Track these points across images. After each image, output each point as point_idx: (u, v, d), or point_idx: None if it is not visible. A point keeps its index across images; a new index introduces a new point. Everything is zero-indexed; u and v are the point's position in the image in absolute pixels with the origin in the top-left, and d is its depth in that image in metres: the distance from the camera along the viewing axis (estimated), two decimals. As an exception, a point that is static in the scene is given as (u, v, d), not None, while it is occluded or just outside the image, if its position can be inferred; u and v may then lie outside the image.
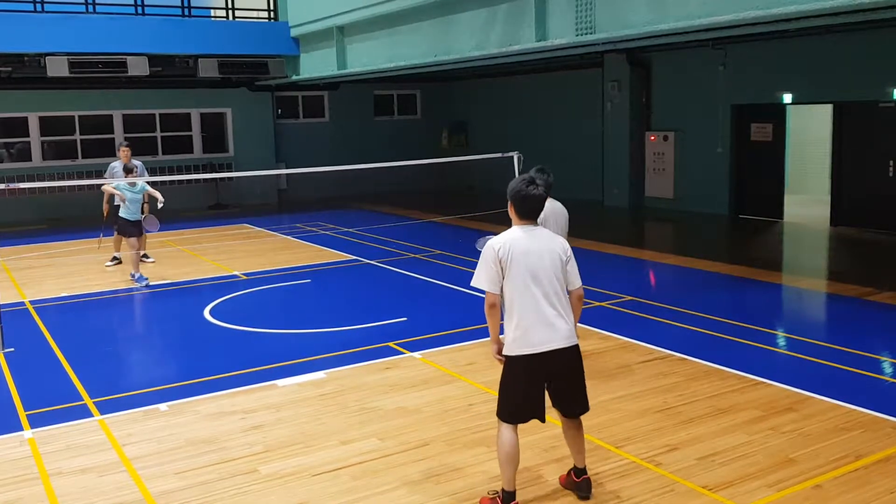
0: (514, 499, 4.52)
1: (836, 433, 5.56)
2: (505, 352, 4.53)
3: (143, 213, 11.62)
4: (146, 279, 11.24)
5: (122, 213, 11.42)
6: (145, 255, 12.84)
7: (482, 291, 4.53)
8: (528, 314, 4.43)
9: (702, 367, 7.07)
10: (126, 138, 14.63)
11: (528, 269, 4.44)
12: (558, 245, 4.58)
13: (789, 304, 10.10)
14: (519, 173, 11.37)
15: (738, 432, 5.62)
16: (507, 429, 4.51)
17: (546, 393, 4.57)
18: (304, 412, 6.27)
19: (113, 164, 12.67)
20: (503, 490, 4.54)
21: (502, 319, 4.56)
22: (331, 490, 4.95)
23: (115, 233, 12.29)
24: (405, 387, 6.79)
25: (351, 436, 5.77)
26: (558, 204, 7.01)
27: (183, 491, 4.99)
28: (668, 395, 6.38)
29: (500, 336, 4.57)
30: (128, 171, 11.46)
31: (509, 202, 4.62)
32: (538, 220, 4.62)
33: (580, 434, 4.70)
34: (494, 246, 4.49)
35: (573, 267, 4.62)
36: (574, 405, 4.65)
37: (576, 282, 4.62)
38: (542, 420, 4.60)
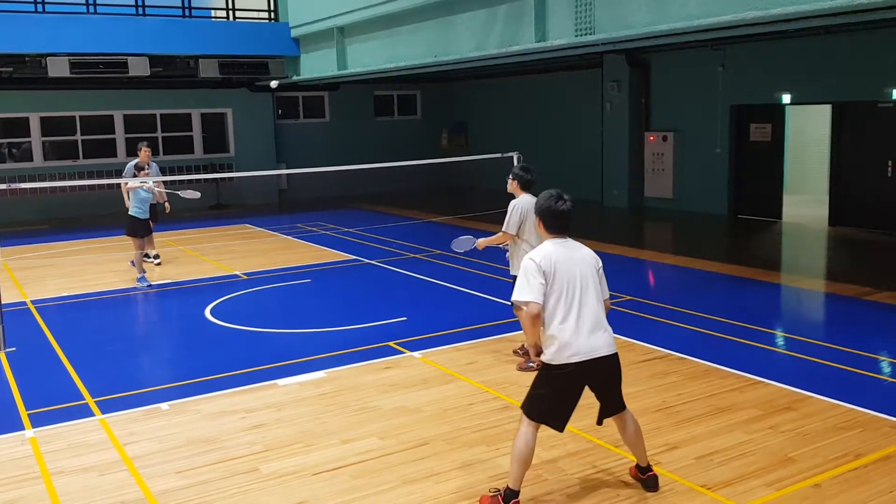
0: (516, 497, 4.54)
1: (834, 432, 5.58)
2: (548, 360, 4.52)
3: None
4: (147, 281, 11.25)
5: (131, 212, 11.39)
6: (155, 256, 12.89)
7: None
8: (573, 323, 4.46)
9: (701, 366, 7.09)
10: (145, 139, 14.58)
11: (570, 278, 4.50)
12: (590, 255, 4.67)
13: (788, 304, 10.12)
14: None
15: (737, 431, 5.64)
16: (531, 427, 4.53)
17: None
18: (305, 411, 6.29)
19: (131, 164, 12.73)
20: (508, 487, 4.55)
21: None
22: (331, 489, 4.97)
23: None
24: (405, 386, 6.81)
25: (351, 435, 5.79)
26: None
27: (184, 490, 5.01)
28: (668, 395, 6.40)
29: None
30: (139, 168, 11.53)
31: (537, 218, 4.71)
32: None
33: (636, 435, 4.77)
34: (535, 258, 4.52)
35: (603, 277, 4.71)
36: (614, 406, 4.72)
37: (606, 291, 4.73)
38: (562, 430, 4.66)
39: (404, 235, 14.99)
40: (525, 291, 4.46)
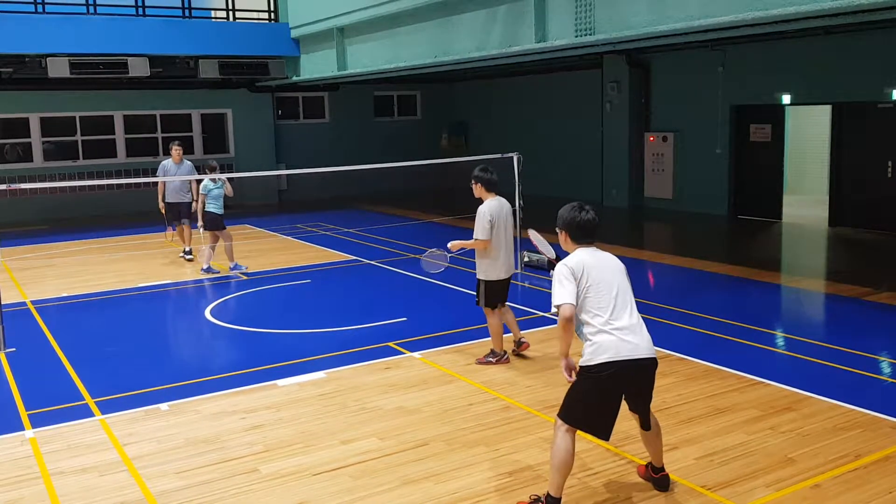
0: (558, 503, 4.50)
1: (834, 433, 5.58)
2: (588, 362, 4.43)
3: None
4: (242, 266, 12.07)
5: (212, 209, 11.78)
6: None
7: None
8: (614, 322, 4.41)
9: (701, 366, 7.09)
10: (177, 139, 14.59)
11: (605, 282, 4.47)
12: (618, 261, 4.64)
13: (788, 305, 10.11)
14: (518, 174, 11.44)
15: (737, 432, 5.64)
16: (568, 434, 4.49)
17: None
18: (305, 412, 6.29)
19: (164, 163, 13.05)
20: (548, 494, 4.49)
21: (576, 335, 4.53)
22: (331, 490, 4.96)
23: (193, 227, 12.59)
24: (405, 387, 6.81)
25: (351, 435, 5.78)
26: (505, 200, 7.29)
27: (183, 490, 5.01)
28: (667, 395, 6.39)
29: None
30: (211, 168, 11.87)
31: (562, 231, 4.65)
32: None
33: (658, 438, 4.77)
34: (568, 264, 4.50)
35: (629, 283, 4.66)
36: (646, 413, 4.70)
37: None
38: (607, 438, 4.61)
39: (404, 236, 14.98)
40: (561, 294, 4.42)
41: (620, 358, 4.37)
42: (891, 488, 4.77)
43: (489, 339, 7.76)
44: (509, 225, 7.27)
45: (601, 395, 4.46)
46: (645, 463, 4.96)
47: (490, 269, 7.20)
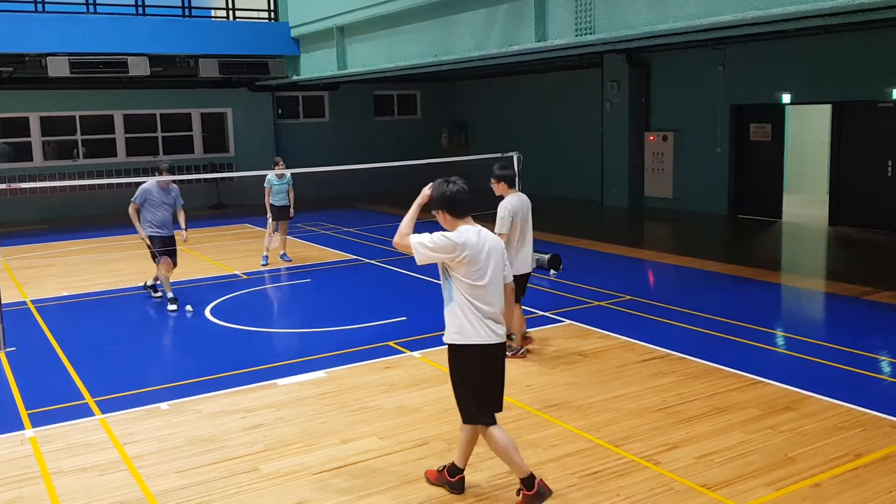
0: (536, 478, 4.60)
1: (834, 432, 5.58)
2: (456, 342, 4.55)
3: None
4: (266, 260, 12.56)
5: (273, 201, 12.36)
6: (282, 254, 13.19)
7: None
8: (484, 309, 4.52)
9: (700, 366, 7.09)
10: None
11: (482, 264, 4.52)
12: (498, 241, 4.70)
13: (788, 304, 10.11)
14: (519, 174, 11.43)
15: (736, 431, 5.65)
16: (492, 428, 4.59)
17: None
18: (305, 411, 6.30)
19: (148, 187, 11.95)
20: (452, 464, 4.81)
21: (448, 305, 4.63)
22: (331, 489, 4.97)
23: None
24: (405, 386, 6.81)
25: (351, 435, 5.79)
26: (525, 196, 7.35)
27: (183, 490, 5.01)
28: (667, 394, 6.40)
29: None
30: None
31: (440, 211, 4.66)
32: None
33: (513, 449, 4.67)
34: (451, 235, 4.51)
35: (507, 262, 4.76)
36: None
37: (510, 275, 4.78)
38: (497, 411, 4.68)
39: (404, 235, 14.94)
40: (422, 252, 4.47)
41: (484, 342, 4.52)
42: (890, 487, 4.77)
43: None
44: (529, 221, 7.29)
45: (475, 376, 4.58)
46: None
47: (515, 264, 7.06)
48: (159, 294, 10.25)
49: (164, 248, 9.82)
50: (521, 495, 4.60)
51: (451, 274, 4.57)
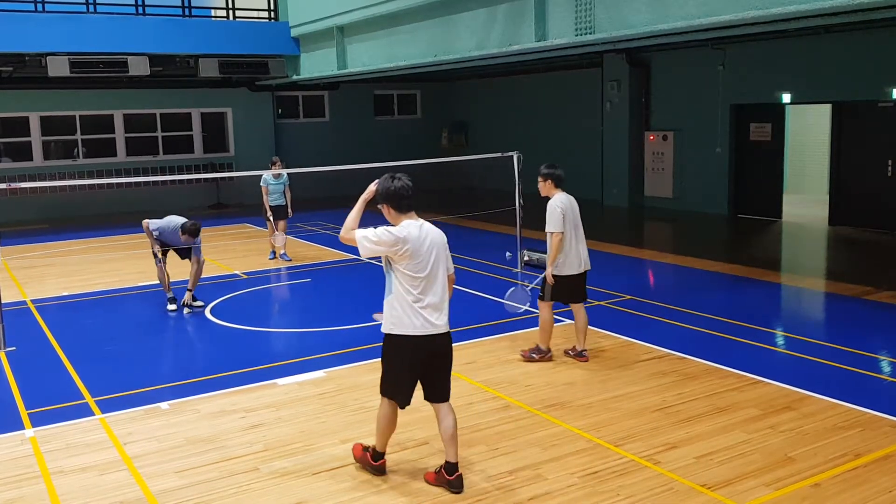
0: (382, 458, 5.07)
1: (834, 432, 5.58)
2: (390, 331, 4.84)
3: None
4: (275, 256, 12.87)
5: (270, 202, 12.57)
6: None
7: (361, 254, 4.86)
8: (421, 300, 4.73)
9: (701, 365, 7.09)
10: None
11: (423, 256, 4.72)
12: (441, 234, 4.88)
13: (788, 304, 10.11)
14: (518, 173, 11.44)
15: (736, 431, 5.64)
16: (384, 402, 4.97)
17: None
18: (304, 411, 6.29)
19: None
20: (374, 448, 5.07)
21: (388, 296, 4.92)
22: (331, 489, 4.96)
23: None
24: (405, 386, 6.79)
25: (350, 435, 5.78)
26: (572, 197, 7.12)
27: (183, 489, 5.01)
28: (667, 394, 6.40)
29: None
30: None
31: (385, 206, 4.83)
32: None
33: (453, 430, 4.88)
34: (398, 232, 4.69)
35: (449, 255, 4.97)
36: (440, 393, 4.95)
37: (452, 266, 4.98)
38: (403, 407, 4.94)
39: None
40: (367, 246, 4.68)
41: (418, 333, 4.74)
42: (890, 487, 4.77)
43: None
44: (579, 219, 7.14)
45: (403, 364, 4.83)
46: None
47: (562, 263, 7.03)
48: (200, 303, 9.88)
49: (165, 248, 9.78)
50: (374, 460, 5.06)
51: (393, 266, 4.79)
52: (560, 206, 6.96)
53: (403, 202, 4.79)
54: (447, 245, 4.91)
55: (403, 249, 4.67)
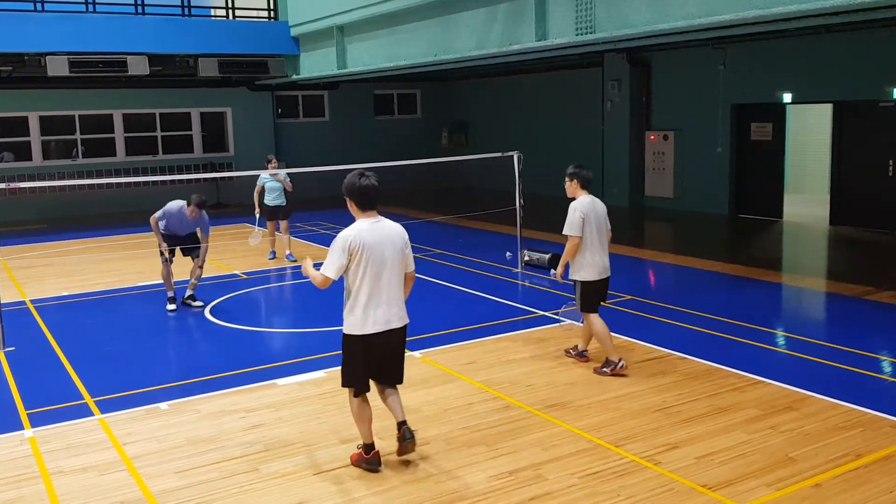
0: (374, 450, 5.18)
1: (835, 432, 5.57)
2: (350, 331, 5.08)
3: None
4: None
5: (266, 201, 12.58)
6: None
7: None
8: (373, 298, 4.95)
9: (701, 366, 7.08)
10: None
11: (375, 257, 4.92)
12: (399, 232, 5.12)
13: (788, 304, 10.11)
14: (519, 173, 11.43)
15: (737, 431, 5.63)
16: (355, 397, 5.16)
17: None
18: (304, 411, 6.29)
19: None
20: (365, 444, 5.18)
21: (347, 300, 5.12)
22: (331, 489, 4.96)
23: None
24: (405, 386, 6.70)
25: (351, 435, 5.76)
26: (598, 199, 7.11)
27: (183, 490, 5.00)
28: (668, 394, 6.39)
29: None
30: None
31: (349, 199, 5.12)
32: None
33: (398, 396, 5.29)
34: (347, 236, 4.93)
35: (410, 251, 5.17)
36: (395, 377, 5.28)
37: (412, 264, 5.18)
38: (357, 395, 5.19)
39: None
40: (327, 266, 4.93)
41: (368, 332, 4.98)
42: (891, 488, 4.76)
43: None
44: (602, 224, 6.97)
45: (356, 360, 5.09)
46: None
47: (587, 268, 6.86)
48: (200, 303, 9.87)
49: (172, 247, 9.69)
50: (367, 454, 5.17)
51: (349, 267, 4.96)
52: (581, 209, 6.80)
53: (366, 200, 5.06)
54: (408, 243, 5.13)
55: (355, 249, 4.90)
